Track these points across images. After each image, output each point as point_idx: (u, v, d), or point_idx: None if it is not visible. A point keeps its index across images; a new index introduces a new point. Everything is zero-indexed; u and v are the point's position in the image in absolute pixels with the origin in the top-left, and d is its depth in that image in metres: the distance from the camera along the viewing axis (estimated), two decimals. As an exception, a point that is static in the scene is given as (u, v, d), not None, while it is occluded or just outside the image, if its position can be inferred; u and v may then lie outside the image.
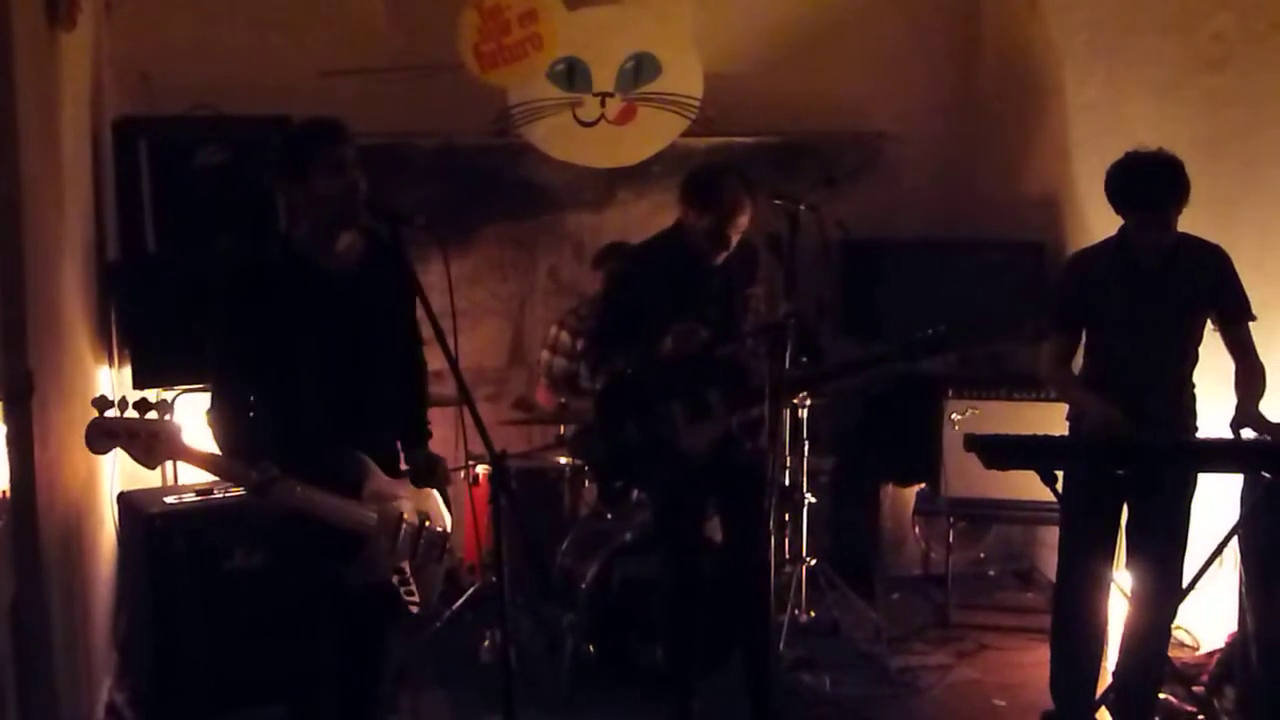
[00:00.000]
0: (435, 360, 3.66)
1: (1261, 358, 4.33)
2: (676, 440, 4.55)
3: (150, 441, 3.14)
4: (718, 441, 4.54)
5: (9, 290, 3.26)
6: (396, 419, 3.78)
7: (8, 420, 3.11)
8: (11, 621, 3.18)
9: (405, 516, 3.60)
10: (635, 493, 5.39)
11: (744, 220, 4.47)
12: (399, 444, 3.79)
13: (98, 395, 3.14)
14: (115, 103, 5.63)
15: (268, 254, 3.51)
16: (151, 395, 5.07)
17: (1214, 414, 4.41)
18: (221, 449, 3.46)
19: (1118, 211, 4.30)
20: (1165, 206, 4.21)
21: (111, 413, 3.11)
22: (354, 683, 3.72)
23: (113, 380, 5.13)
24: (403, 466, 3.75)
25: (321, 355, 3.49)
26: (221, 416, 3.48)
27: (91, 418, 3.12)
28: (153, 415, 3.17)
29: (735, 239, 4.49)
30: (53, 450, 3.68)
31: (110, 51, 5.75)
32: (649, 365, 4.56)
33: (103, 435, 3.12)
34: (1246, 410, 4.25)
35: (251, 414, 3.48)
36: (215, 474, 3.42)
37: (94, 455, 4.52)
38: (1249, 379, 4.32)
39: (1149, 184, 4.20)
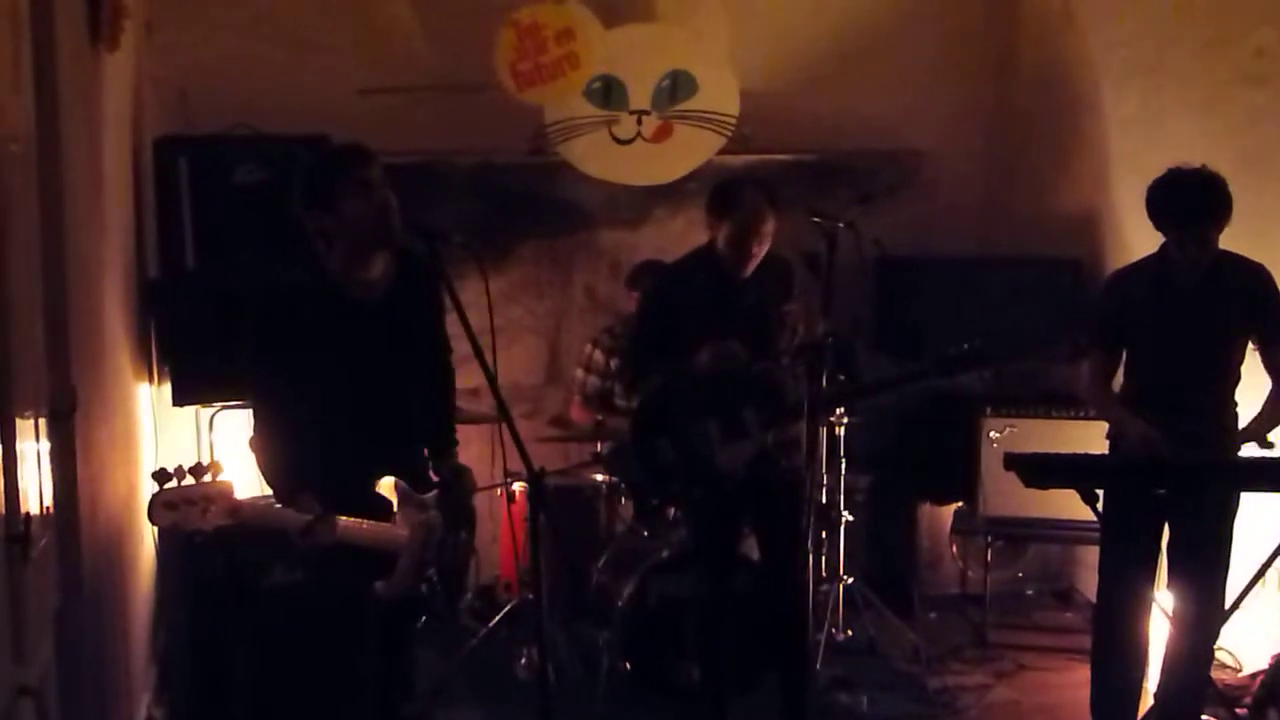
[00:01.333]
0: (473, 377, 3.68)
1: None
2: (712, 458, 4.54)
3: (205, 505, 3.16)
4: (753, 460, 4.53)
5: (52, 307, 3.28)
6: (426, 433, 3.80)
7: (51, 436, 3.13)
8: (54, 636, 3.20)
9: (433, 526, 3.63)
10: (671, 510, 5.38)
11: (767, 229, 4.47)
12: (427, 454, 3.81)
13: (158, 469, 3.16)
14: (156, 121, 5.67)
15: (299, 282, 3.51)
16: (190, 411, 5.19)
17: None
18: (265, 474, 3.49)
19: (1158, 228, 4.28)
20: (1204, 224, 4.18)
21: (170, 484, 3.14)
22: (385, 688, 3.74)
23: (152, 397, 5.16)
24: (431, 477, 3.77)
25: (354, 383, 3.50)
26: (263, 443, 3.51)
27: (153, 492, 3.13)
28: (206, 479, 3.18)
29: (760, 248, 4.49)
30: (94, 466, 3.71)
31: (151, 71, 5.79)
32: (685, 381, 4.56)
33: (164, 508, 3.14)
34: (1256, 427, 4.22)
35: (290, 439, 3.50)
36: (266, 525, 3.43)
37: (134, 470, 4.60)
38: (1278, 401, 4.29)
39: (1188, 201, 4.17)
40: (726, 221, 4.49)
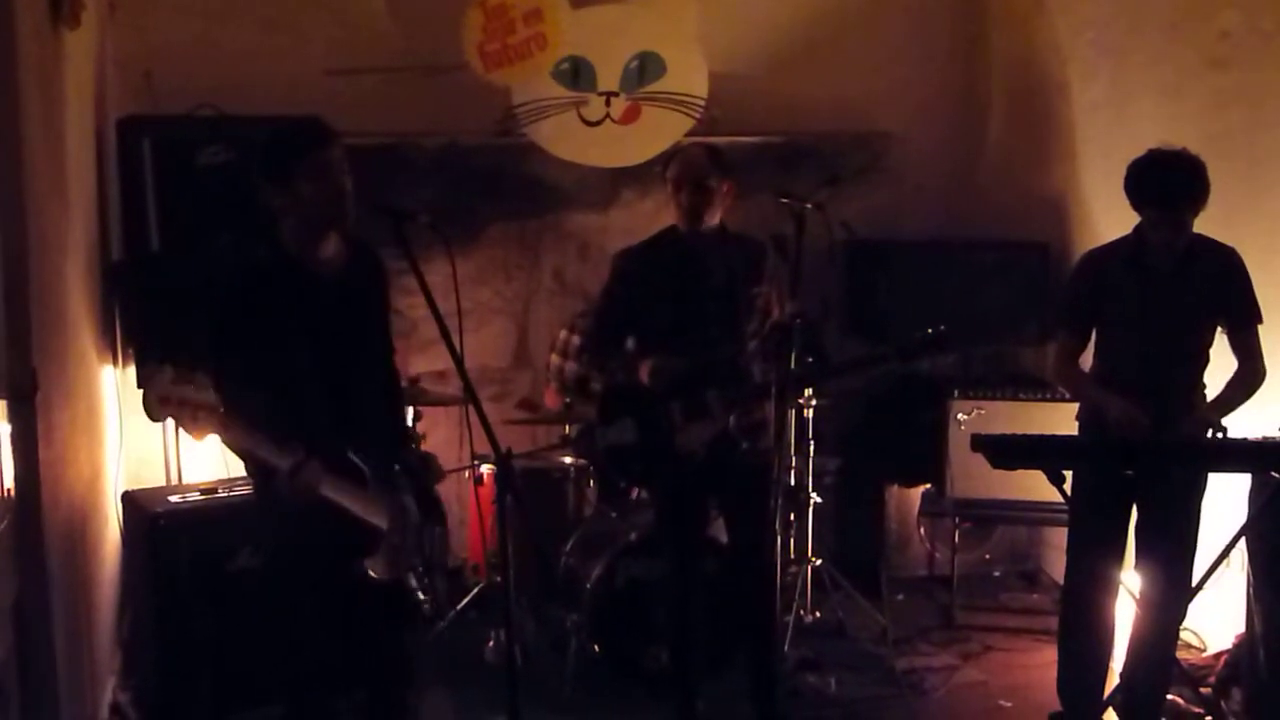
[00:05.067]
0: (440, 360, 3.67)
1: (1269, 356, 4.32)
2: (673, 438, 4.53)
3: (197, 412, 3.14)
4: (714, 441, 4.53)
5: (13, 289, 3.25)
6: (388, 419, 3.79)
7: (12, 419, 3.10)
8: (15, 621, 3.17)
9: (410, 507, 3.62)
10: (635, 492, 5.37)
11: (706, 179, 4.45)
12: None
13: (143, 367, 3.14)
14: (119, 102, 5.62)
15: (258, 258, 3.49)
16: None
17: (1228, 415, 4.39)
18: (235, 454, 3.46)
19: (1135, 208, 4.28)
20: (1181, 206, 4.19)
21: (160, 379, 3.12)
22: (381, 683, 3.73)
23: (117, 379, 5.12)
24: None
25: (318, 358, 3.49)
26: (231, 419, 3.47)
27: (142, 391, 3.13)
28: (190, 388, 3.16)
29: (704, 200, 4.46)
30: (57, 449, 3.67)
31: (114, 51, 5.74)
32: (629, 382, 4.56)
33: (158, 403, 3.12)
34: (1210, 410, 4.27)
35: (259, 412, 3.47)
36: (250, 451, 3.39)
37: (97, 453, 4.57)
38: (1242, 383, 4.32)
39: (1167, 182, 4.18)
40: (669, 176, 4.51)
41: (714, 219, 4.52)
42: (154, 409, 3.13)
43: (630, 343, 4.68)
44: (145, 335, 5.01)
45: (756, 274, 4.57)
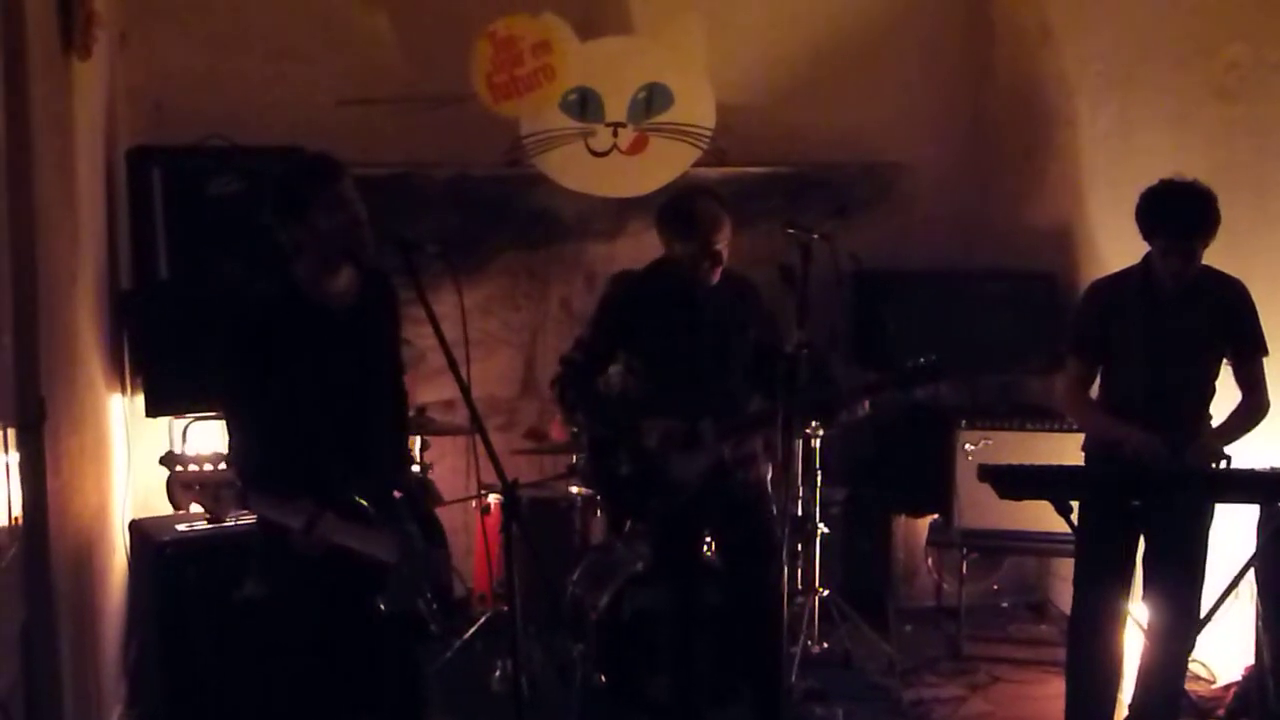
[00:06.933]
0: (447, 389, 3.67)
1: (1273, 390, 4.32)
2: (667, 469, 4.53)
3: (219, 491, 3.20)
4: (708, 471, 4.53)
5: (23, 317, 3.27)
6: (392, 443, 3.80)
7: (20, 447, 3.11)
8: (22, 648, 3.17)
9: (416, 536, 3.62)
10: (628, 523, 5.36)
11: (726, 234, 4.46)
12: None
13: (165, 453, 3.24)
14: (129, 132, 5.65)
15: (269, 290, 3.51)
16: (163, 423, 5.16)
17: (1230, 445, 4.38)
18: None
19: (1146, 237, 4.29)
20: (1192, 236, 4.20)
21: (179, 467, 3.21)
22: (396, 712, 3.73)
23: (125, 408, 5.13)
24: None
25: (328, 392, 3.49)
26: (240, 455, 3.48)
27: (167, 475, 3.24)
28: (209, 467, 3.23)
29: (723, 253, 4.48)
30: (65, 477, 3.68)
31: (125, 81, 5.77)
32: (643, 389, 4.55)
33: (183, 489, 3.21)
34: (1213, 439, 4.26)
35: (268, 454, 3.48)
36: (271, 517, 3.42)
37: (105, 481, 4.57)
38: (1246, 415, 4.33)
39: (1180, 212, 4.19)
40: (688, 239, 4.45)
41: None
42: (180, 496, 3.23)
43: (612, 373, 4.70)
44: (153, 364, 5.03)
45: (748, 308, 4.59)
